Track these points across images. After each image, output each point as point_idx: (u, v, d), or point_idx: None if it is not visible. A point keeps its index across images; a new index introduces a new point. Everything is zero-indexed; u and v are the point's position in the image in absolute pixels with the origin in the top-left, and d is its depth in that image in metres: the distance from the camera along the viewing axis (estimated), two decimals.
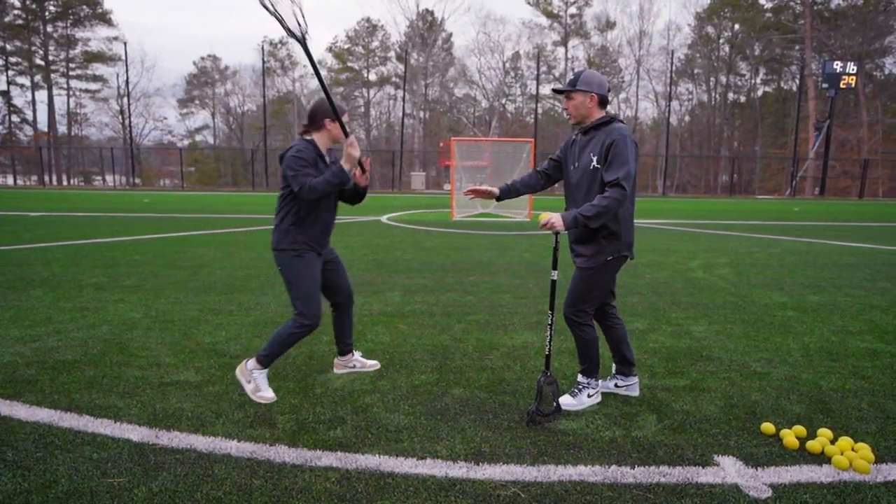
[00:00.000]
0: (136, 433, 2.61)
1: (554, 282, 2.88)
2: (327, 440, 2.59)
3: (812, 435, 2.62)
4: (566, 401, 2.99)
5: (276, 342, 3.00)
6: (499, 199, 3.12)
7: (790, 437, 2.57)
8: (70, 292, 5.45)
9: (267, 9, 2.51)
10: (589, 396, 3.02)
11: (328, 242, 3.07)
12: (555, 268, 2.86)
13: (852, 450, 2.47)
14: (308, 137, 2.93)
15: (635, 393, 3.14)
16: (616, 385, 3.15)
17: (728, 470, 2.36)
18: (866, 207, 24.48)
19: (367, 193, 3.13)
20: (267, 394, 2.98)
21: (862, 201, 32.50)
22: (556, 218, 2.65)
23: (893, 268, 7.49)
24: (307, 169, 2.78)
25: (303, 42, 2.60)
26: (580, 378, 3.06)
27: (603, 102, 2.85)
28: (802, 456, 2.48)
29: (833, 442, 2.54)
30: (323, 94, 2.82)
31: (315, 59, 2.68)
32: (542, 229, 2.71)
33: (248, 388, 2.99)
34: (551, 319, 2.94)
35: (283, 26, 2.55)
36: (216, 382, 3.25)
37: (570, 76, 2.88)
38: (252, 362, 3.02)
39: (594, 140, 2.82)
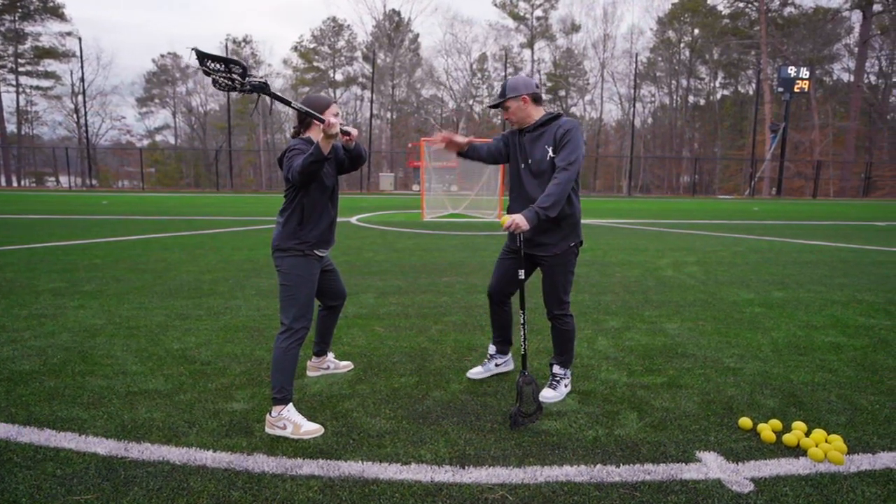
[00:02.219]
0: (103, 446, 2.48)
1: (522, 281, 2.95)
2: (307, 447, 2.52)
3: (787, 428, 2.69)
4: (547, 394, 3.06)
5: (279, 369, 2.70)
6: (463, 153, 3.12)
7: (767, 431, 2.63)
8: (25, 298, 5.18)
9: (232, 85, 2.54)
10: (566, 386, 3.13)
11: (334, 238, 2.93)
12: (521, 267, 2.94)
13: (826, 442, 2.53)
14: (302, 136, 2.85)
15: (511, 367, 3.42)
16: (496, 365, 3.35)
17: (710, 465, 2.38)
18: (820, 207, 25.53)
19: (362, 152, 2.92)
20: (310, 426, 2.65)
21: (816, 201, 33.89)
22: (519, 219, 2.70)
23: (849, 264, 7.80)
24: (297, 157, 2.69)
25: (265, 89, 2.57)
26: (557, 370, 3.14)
27: (536, 99, 2.92)
28: (780, 449, 2.53)
29: (807, 434, 2.61)
30: (309, 95, 2.81)
31: (283, 96, 2.66)
32: (506, 231, 2.73)
33: (288, 432, 2.61)
34: (523, 319, 2.99)
35: (242, 89, 2.54)
36: (187, 390, 3.12)
37: (497, 90, 2.95)
38: (273, 409, 2.68)
39: (546, 134, 2.88)
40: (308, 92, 52.86)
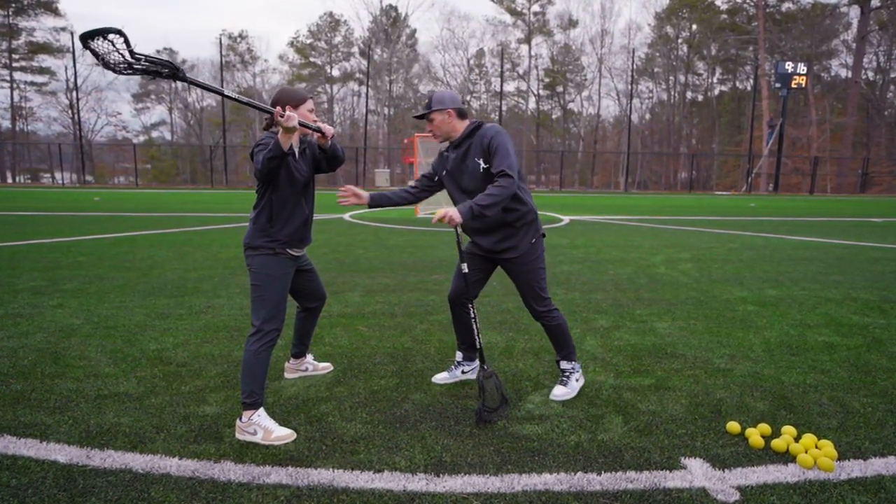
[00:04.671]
0: (64, 454, 2.38)
1: (465, 274, 2.93)
2: (277, 454, 2.42)
3: (776, 433, 2.60)
4: (558, 392, 3.02)
5: (249, 373, 2.59)
6: (369, 205, 3.00)
7: (755, 436, 2.53)
8: (2, 297, 5.06)
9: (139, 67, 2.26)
10: (577, 381, 3.09)
11: (309, 237, 2.83)
12: (463, 260, 2.93)
13: (816, 447, 2.44)
14: (272, 131, 2.74)
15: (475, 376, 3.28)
16: (463, 372, 3.27)
17: (695, 473, 2.29)
18: (817, 203, 25.46)
19: (338, 152, 2.80)
20: (281, 432, 2.55)
21: (812, 197, 33.83)
22: (452, 211, 2.69)
23: (845, 261, 7.72)
24: (262, 153, 2.58)
25: (178, 75, 2.31)
26: (564, 365, 3.08)
27: (461, 114, 2.90)
28: (768, 455, 2.44)
29: (797, 440, 2.52)
30: (282, 88, 2.68)
31: (209, 84, 2.45)
32: (439, 223, 2.69)
33: (259, 438, 2.51)
34: (473, 313, 2.95)
35: (152, 72, 2.28)
36: (159, 393, 3.02)
37: (424, 102, 2.90)
38: (244, 415, 2.58)
39: (472, 146, 2.87)
40: (304, 88, 52.57)
